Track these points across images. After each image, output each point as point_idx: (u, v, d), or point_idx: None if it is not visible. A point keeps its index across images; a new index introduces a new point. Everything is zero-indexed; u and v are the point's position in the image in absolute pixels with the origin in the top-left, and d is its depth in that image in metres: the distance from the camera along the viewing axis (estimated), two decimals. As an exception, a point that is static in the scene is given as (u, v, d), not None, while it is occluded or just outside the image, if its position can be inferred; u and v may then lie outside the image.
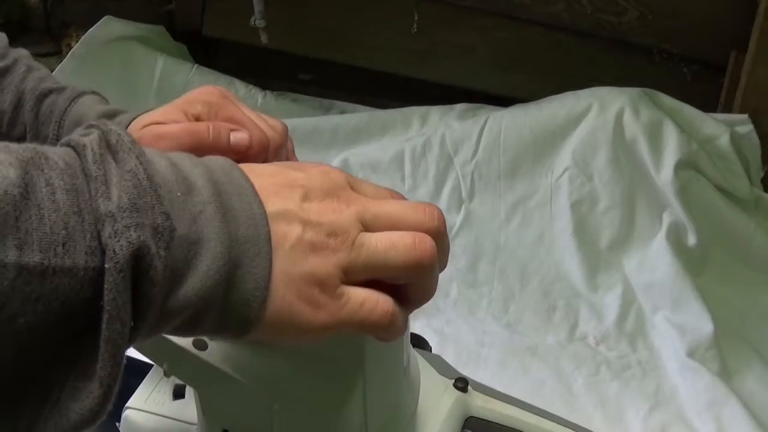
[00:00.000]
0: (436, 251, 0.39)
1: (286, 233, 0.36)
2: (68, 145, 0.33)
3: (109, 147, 0.33)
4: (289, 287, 0.36)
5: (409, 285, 0.40)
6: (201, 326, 0.35)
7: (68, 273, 0.29)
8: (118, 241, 0.30)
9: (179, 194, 0.34)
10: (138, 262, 0.31)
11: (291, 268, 0.36)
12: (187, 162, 0.36)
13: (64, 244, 0.29)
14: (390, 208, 0.40)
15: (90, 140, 0.33)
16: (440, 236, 0.40)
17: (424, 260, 0.38)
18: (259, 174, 0.38)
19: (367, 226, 0.38)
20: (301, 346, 0.45)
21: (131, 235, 0.30)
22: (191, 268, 0.33)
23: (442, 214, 0.41)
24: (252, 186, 0.37)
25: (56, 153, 0.32)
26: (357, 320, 0.37)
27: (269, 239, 0.36)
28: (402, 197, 0.43)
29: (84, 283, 0.30)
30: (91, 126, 0.34)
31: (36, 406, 0.31)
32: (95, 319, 0.30)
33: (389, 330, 0.39)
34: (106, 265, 0.30)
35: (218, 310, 0.34)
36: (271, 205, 0.36)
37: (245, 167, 0.38)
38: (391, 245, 0.38)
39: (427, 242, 0.39)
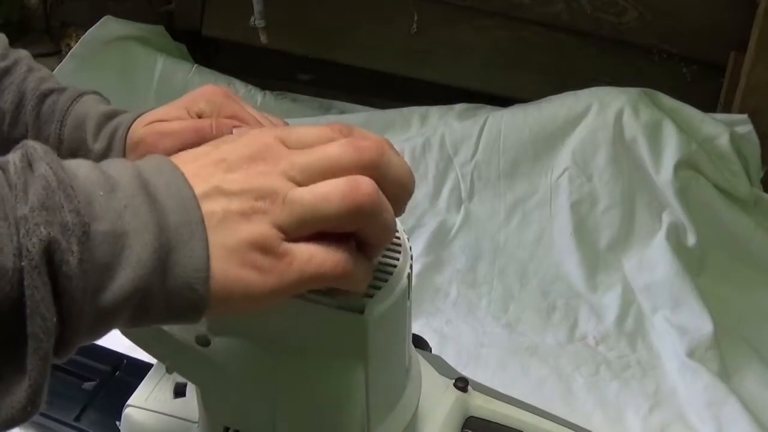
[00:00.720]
0: (376, 191, 0.38)
1: (213, 210, 0.36)
2: None
3: (28, 159, 0.34)
4: (229, 260, 0.36)
5: (361, 231, 0.39)
6: (150, 315, 0.36)
7: None
8: (31, 239, 0.32)
9: (101, 193, 0.34)
10: (50, 257, 0.32)
11: (227, 240, 0.36)
12: (115, 164, 0.37)
13: None
14: (318, 155, 0.39)
15: (13, 156, 0.34)
16: (381, 167, 0.39)
17: (364, 205, 0.37)
18: (187, 160, 0.39)
19: (299, 181, 0.38)
20: (304, 343, 0.45)
21: (41, 232, 0.32)
22: (122, 261, 0.34)
23: (380, 143, 0.40)
24: (182, 174, 0.37)
25: None
26: (309, 276, 0.37)
27: (202, 220, 0.36)
28: (346, 132, 0.41)
29: (13, 283, 0.31)
30: (17, 148, 0.36)
31: None
32: (25, 318, 0.31)
33: (346, 278, 0.39)
34: (22, 263, 0.31)
35: (162, 298, 0.35)
36: (197, 188, 0.37)
37: (176, 157, 0.39)
38: (321, 197, 0.37)
39: (362, 186, 0.37)
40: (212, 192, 0.37)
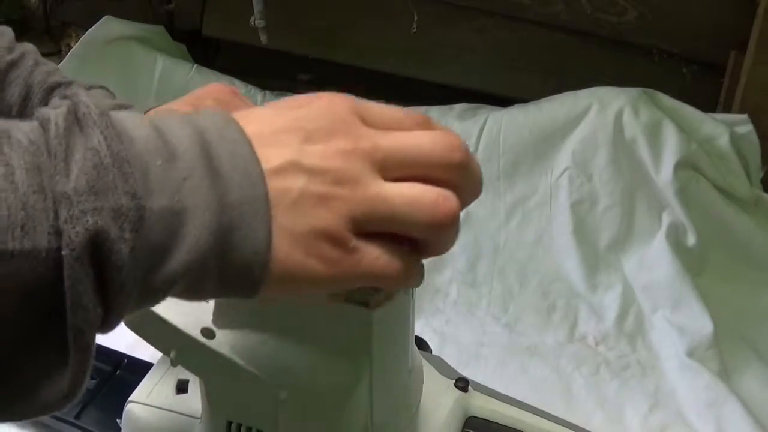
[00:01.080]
0: (458, 210, 0.35)
1: (288, 188, 0.33)
2: (37, 119, 0.31)
3: (77, 120, 0.31)
4: (295, 246, 0.33)
5: (425, 240, 0.36)
6: (200, 293, 0.33)
7: (28, 255, 0.28)
8: (74, 227, 0.28)
9: (160, 162, 0.31)
10: (97, 248, 0.29)
11: (296, 225, 0.33)
12: (175, 125, 0.33)
13: (22, 226, 0.28)
14: (405, 142, 0.35)
15: (56, 114, 0.31)
16: (465, 170, 0.37)
17: (446, 221, 0.35)
18: (255, 121, 0.35)
19: (382, 168, 0.35)
20: (309, 336, 0.45)
21: (87, 220, 0.29)
22: (178, 241, 0.31)
23: (464, 143, 0.37)
24: (248, 141, 0.33)
25: (22, 130, 0.30)
26: (370, 274, 0.35)
27: (267, 198, 0.32)
28: (423, 122, 0.38)
29: (48, 264, 0.28)
30: (65, 97, 0.33)
31: (3, 386, 0.30)
32: (63, 302, 0.29)
33: (404, 282, 0.37)
34: (63, 252, 0.28)
35: (216, 276, 0.32)
36: (271, 159, 0.33)
37: (241, 115, 0.35)
38: (411, 202, 0.34)
39: (450, 201, 0.35)
40: (289, 167, 0.33)
